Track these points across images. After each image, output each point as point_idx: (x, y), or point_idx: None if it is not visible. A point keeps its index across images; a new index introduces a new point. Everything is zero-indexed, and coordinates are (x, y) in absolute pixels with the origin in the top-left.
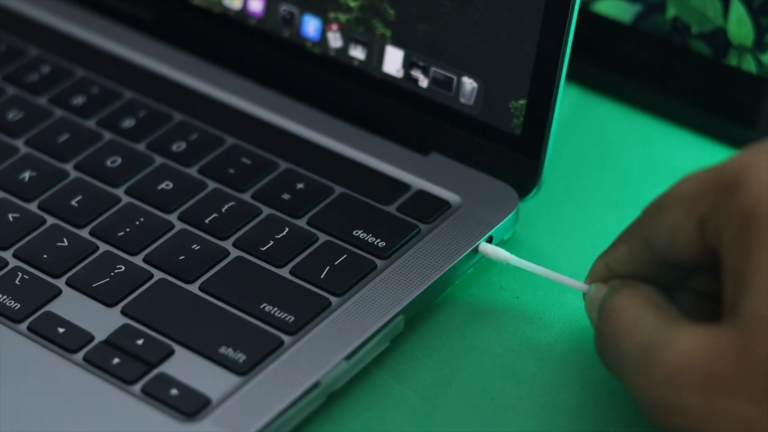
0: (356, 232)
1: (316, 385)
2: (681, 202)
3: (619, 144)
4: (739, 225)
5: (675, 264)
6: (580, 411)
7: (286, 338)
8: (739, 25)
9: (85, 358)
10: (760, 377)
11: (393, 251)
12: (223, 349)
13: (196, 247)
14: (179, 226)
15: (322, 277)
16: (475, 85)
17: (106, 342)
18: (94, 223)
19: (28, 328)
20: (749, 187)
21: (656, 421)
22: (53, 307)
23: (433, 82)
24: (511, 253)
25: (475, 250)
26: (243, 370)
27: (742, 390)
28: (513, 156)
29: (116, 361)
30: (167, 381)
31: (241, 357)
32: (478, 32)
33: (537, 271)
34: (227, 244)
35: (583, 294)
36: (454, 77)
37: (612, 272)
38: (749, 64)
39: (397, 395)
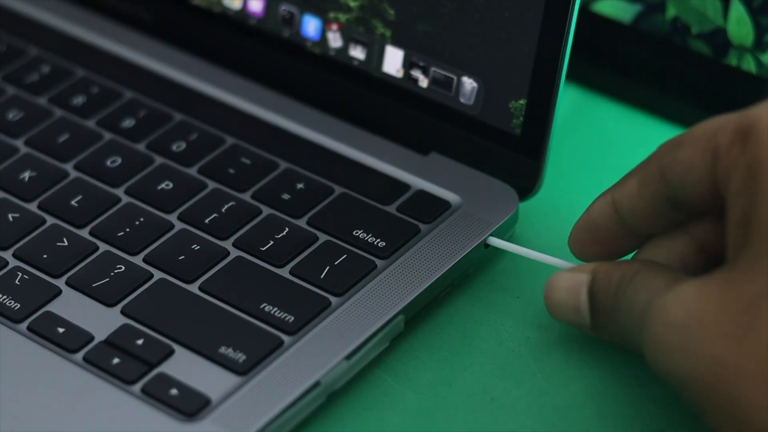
0: (356, 232)
1: (316, 385)
2: (699, 139)
3: (619, 144)
4: (746, 173)
5: (683, 203)
6: (580, 411)
7: (286, 338)
8: (739, 25)
9: (85, 358)
10: (735, 317)
11: (393, 251)
12: (223, 349)
13: (196, 247)
14: (179, 226)
15: (322, 277)
16: (475, 85)
17: (106, 342)
18: (94, 223)
19: (28, 328)
20: (761, 137)
21: (653, 364)
22: (53, 307)
23: (433, 82)
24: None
25: (475, 250)
26: (243, 370)
27: (717, 328)
28: (513, 156)
29: (116, 361)
30: (167, 381)
31: (241, 357)
32: (478, 32)
33: (544, 260)
34: (227, 244)
35: (549, 283)
36: (454, 77)
37: (615, 208)
38: (749, 64)
39: (397, 395)
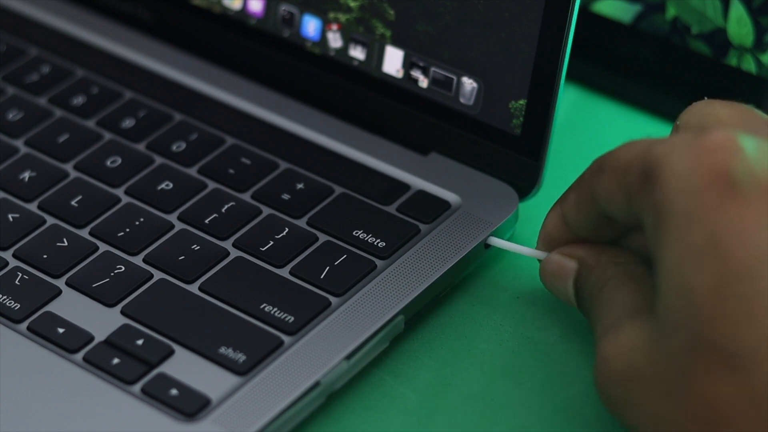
0: (356, 232)
1: (316, 385)
2: (615, 171)
3: (618, 144)
4: (654, 219)
5: (618, 221)
6: (580, 411)
7: (286, 338)
8: (739, 25)
9: (85, 358)
10: (667, 373)
11: (393, 251)
12: (223, 349)
13: (196, 247)
14: (179, 226)
15: (322, 277)
16: (475, 85)
17: (106, 342)
18: (94, 223)
19: (28, 328)
20: (664, 181)
21: (606, 407)
22: (53, 307)
23: (433, 82)
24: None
25: (475, 250)
26: (243, 370)
27: (652, 386)
28: (513, 156)
29: (116, 361)
30: (167, 381)
31: (241, 357)
32: (478, 32)
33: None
34: (227, 244)
35: (541, 266)
36: (454, 77)
37: (564, 221)
38: (749, 64)
39: (397, 395)
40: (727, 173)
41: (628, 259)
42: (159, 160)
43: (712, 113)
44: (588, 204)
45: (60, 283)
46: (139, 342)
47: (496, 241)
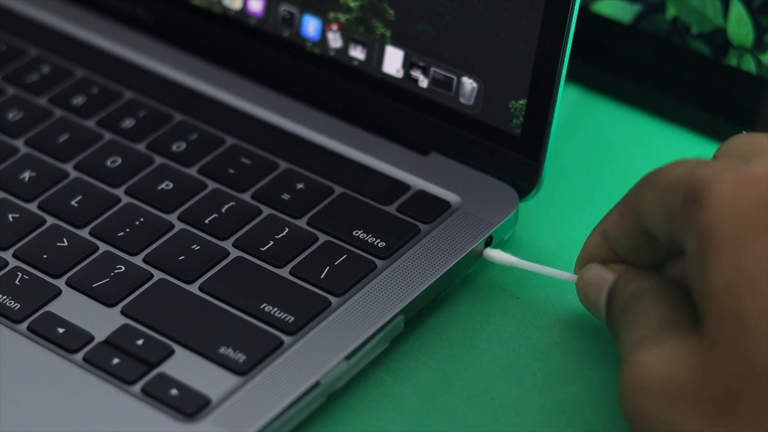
0: (356, 232)
1: (316, 385)
2: (659, 189)
3: (619, 144)
4: (698, 240)
5: (658, 239)
6: (580, 411)
7: (286, 338)
8: (739, 25)
9: (85, 358)
10: (715, 395)
11: (393, 251)
12: (223, 349)
13: (196, 247)
14: (179, 226)
15: (322, 277)
16: (475, 85)
17: (106, 342)
18: (94, 223)
19: (28, 328)
20: (710, 204)
21: (629, 421)
22: (53, 307)
23: (433, 82)
24: (511, 254)
25: (475, 251)
26: (243, 370)
27: (698, 404)
28: (513, 156)
29: (116, 361)
30: (167, 381)
31: (241, 357)
32: (478, 32)
33: (543, 272)
34: (227, 244)
35: (580, 274)
36: (454, 77)
37: (606, 238)
38: (749, 64)
39: (397, 395)
40: None
41: (666, 278)
42: (159, 160)
43: (753, 143)
44: (631, 218)
45: (60, 283)
46: (139, 342)
47: (492, 254)
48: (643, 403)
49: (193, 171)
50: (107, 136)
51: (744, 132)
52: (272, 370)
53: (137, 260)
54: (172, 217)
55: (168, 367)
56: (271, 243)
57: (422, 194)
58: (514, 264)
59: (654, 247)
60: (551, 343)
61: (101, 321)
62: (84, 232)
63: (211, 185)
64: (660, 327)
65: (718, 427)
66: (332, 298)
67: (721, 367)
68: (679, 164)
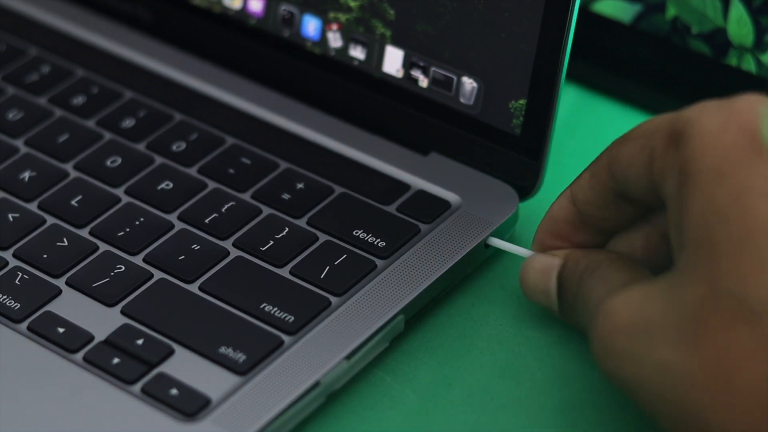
0: (356, 232)
1: (316, 385)
2: (639, 137)
3: None
4: (679, 177)
5: (631, 197)
6: (580, 411)
7: (286, 338)
8: (739, 25)
9: (85, 358)
10: (680, 323)
11: (393, 251)
12: (223, 349)
13: (196, 247)
14: (179, 226)
15: (322, 277)
16: (475, 85)
17: (106, 342)
18: (94, 223)
19: (28, 328)
20: (693, 140)
21: (601, 367)
22: (53, 307)
23: (433, 82)
24: None
25: (475, 250)
26: (243, 370)
27: (663, 332)
28: (513, 156)
29: (116, 361)
30: (167, 381)
31: (241, 357)
32: (478, 32)
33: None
34: (227, 244)
35: (524, 265)
36: (454, 77)
37: (573, 201)
38: (749, 64)
39: (397, 395)
40: (757, 132)
41: (615, 251)
42: (159, 160)
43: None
44: (603, 176)
45: (60, 282)
46: (139, 342)
47: (497, 242)
48: (613, 342)
49: (193, 171)
50: (107, 136)
51: None
52: (272, 370)
53: (137, 260)
54: (172, 217)
55: (168, 367)
56: (271, 243)
57: (422, 194)
58: (519, 253)
59: (622, 209)
60: (551, 343)
61: (101, 321)
62: (84, 232)
63: (211, 185)
64: (624, 282)
65: (683, 352)
66: (332, 298)
67: (688, 293)
68: (658, 116)
